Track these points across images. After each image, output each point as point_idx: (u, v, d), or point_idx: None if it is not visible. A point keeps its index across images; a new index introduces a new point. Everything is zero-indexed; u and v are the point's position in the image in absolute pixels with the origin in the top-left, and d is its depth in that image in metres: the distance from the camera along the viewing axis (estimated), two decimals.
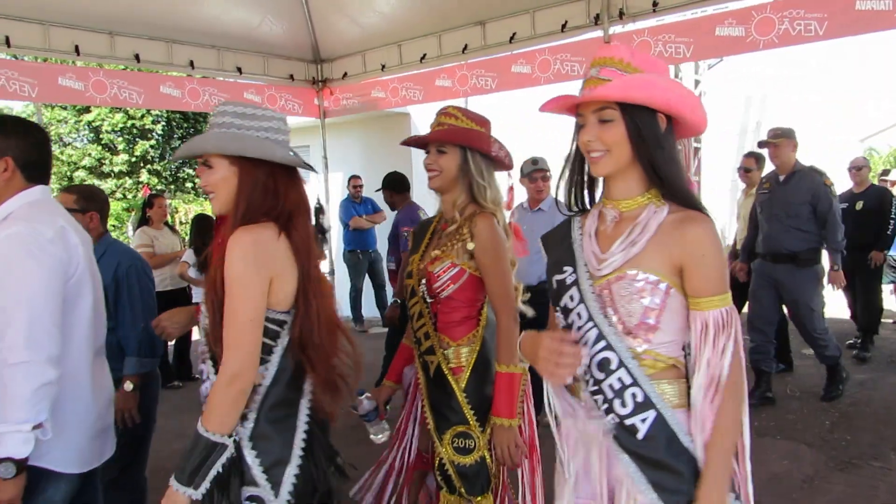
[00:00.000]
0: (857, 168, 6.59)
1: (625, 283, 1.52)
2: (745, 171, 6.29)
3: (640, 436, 1.53)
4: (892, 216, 6.34)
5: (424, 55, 6.94)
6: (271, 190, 1.79)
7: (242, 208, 1.77)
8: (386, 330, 7.42)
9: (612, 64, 1.54)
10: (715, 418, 1.50)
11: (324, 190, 8.72)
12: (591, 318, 1.56)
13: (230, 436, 1.67)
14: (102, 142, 25.87)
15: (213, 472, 1.65)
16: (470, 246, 2.24)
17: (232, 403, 1.66)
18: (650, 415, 1.53)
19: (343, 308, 9.00)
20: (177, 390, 5.95)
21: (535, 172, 5.08)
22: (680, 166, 1.57)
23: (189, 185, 27.84)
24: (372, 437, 2.48)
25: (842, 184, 8.09)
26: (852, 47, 7.86)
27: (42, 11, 5.50)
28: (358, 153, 9.29)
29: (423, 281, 2.30)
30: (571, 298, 1.60)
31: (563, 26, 5.96)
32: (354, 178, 8.48)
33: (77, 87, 5.93)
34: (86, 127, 25.76)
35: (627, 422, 1.54)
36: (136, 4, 5.90)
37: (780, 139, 5.01)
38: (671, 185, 1.54)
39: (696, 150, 7.10)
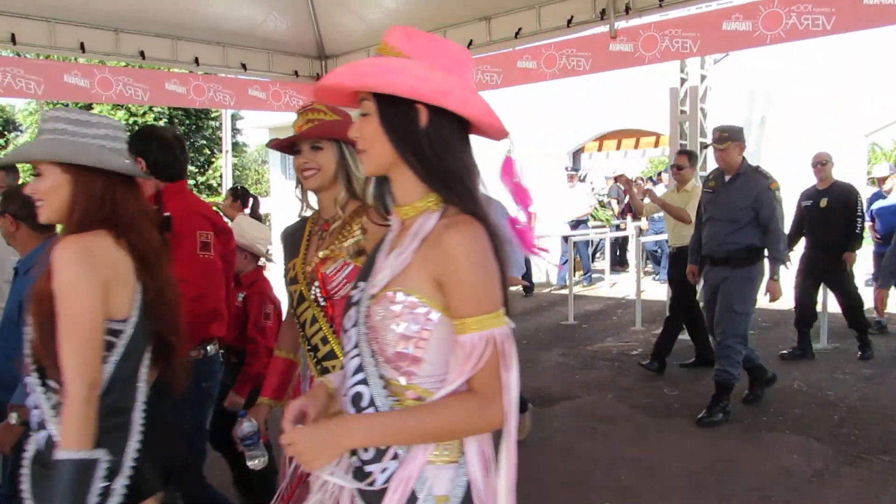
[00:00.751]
0: (821, 163, 6.20)
1: (382, 306, 1.32)
2: (677, 169, 6.04)
3: (376, 485, 1.32)
4: (859, 214, 6.01)
5: None
6: (108, 199, 1.74)
7: (76, 217, 1.71)
8: None
9: (384, 51, 1.37)
10: (435, 405, 1.29)
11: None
12: (356, 345, 1.37)
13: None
14: None
15: (96, 489, 1.56)
16: (353, 241, 2.16)
17: (91, 415, 1.59)
18: (391, 465, 1.32)
19: None
20: None
21: None
22: (462, 165, 1.36)
23: (191, 181, 27.85)
24: (248, 463, 2.34)
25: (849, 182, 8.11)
26: (859, 42, 7.84)
27: (47, 9, 5.50)
28: None
29: (316, 284, 2.20)
30: (349, 319, 1.42)
31: (569, 21, 5.94)
32: None
33: (83, 84, 5.93)
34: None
35: (367, 468, 1.34)
36: (142, 1, 5.90)
37: (727, 143, 4.75)
38: (445, 185, 1.34)
39: (703, 145, 7.08)
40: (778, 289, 4.64)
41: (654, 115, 9.44)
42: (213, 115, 27.10)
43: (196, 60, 6.64)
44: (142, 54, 6.22)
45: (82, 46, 5.80)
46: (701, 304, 5.68)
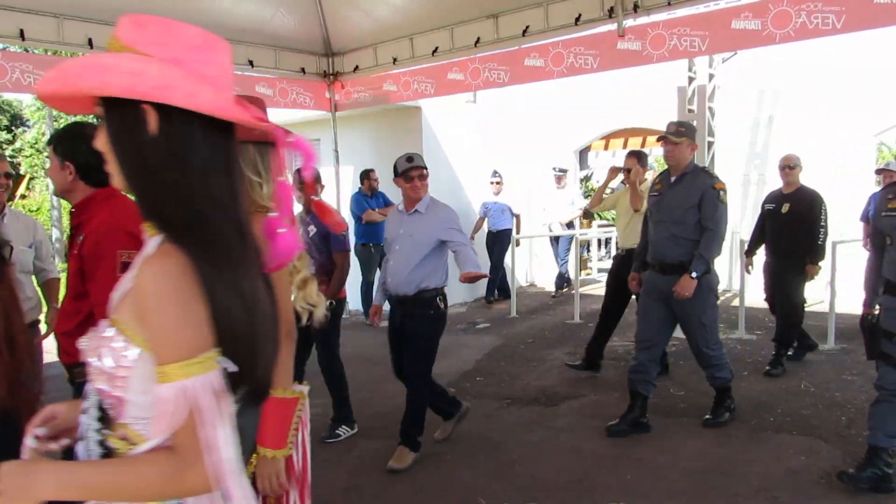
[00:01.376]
0: (790, 167, 5.86)
1: (94, 338, 1.18)
2: (626, 172, 5.80)
3: None
4: (822, 224, 5.66)
5: (436, 48, 6.92)
6: None
7: None
8: None
9: (111, 46, 1.15)
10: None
11: (335, 183, 8.72)
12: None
13: None
14: None
15: None
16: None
17: None
18: None
19: (353, 302, 9.01)
20: None
21: (411, 170, 4.10)
22: (197, 178, 1.13)
23: None
24: None
25: (855, 182, 8.06)
26: (869, 41, 7.79)
27: (56, 4, 5.50)
28: (369, 146, 9.28)
29: None
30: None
31: (577, 19, 5.93)
32: (372, 171, 8.41)
33: None
34: (95, 119, 25.82)
35: None
36: None
37: (683, 138, 4.46)
38: (151, 207, 1.14)
39: (710, 144, 7.05)
40: (689, 287, 4.28)
41: (661, 114, 9.40)
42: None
43: None
44: None
45: (90, 42, 5.81)
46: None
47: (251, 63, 7.11)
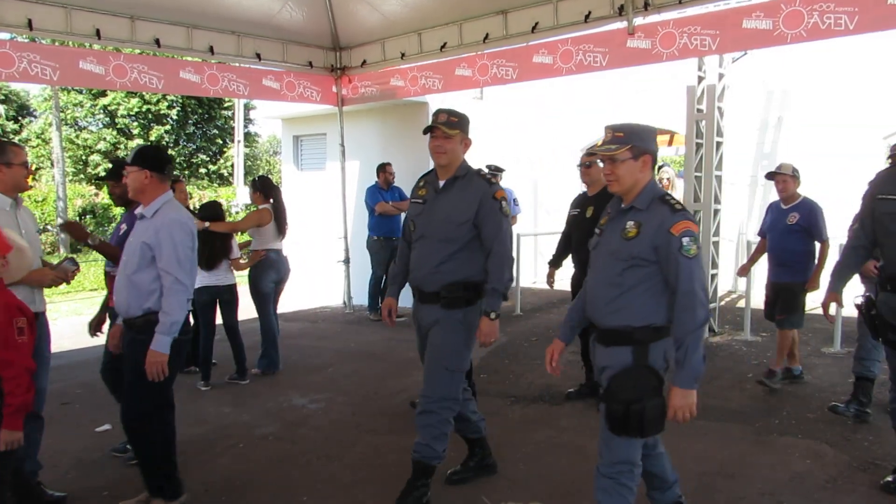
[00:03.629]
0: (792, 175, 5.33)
1: None
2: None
3: None
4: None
5: (445, 44, 6.90)
6: None
7: None
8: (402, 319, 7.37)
9: None
10: None
11: (340, 178, 8.70)
12: None
13: None
14: (118, 126, 25.97)
15: None
16: None
17: None
18: None
19: (358, 296, 8.98)
20: (194, 375, 5.96)
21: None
22: None
23: (203, 171, 27.93)
24: None
25: (864, 185, 7.99)
26: (882, 42, 7.73)
27: None
28: (376, 141, 9.25)
29: None
30: None
31: (587, 17, 5.91)
32: (388, 165, 8.24)
33: (98, 70, 5.93)
34: (101, 111, 25.87)
35: None
36: None
37: (455, 131, 3.42)
38: None
39: (719, 144, 7.01)
40: (493, 330, 3.38)
41: (668, 114, 9.36)
42: (226, 105, 27.14)
43: (211, 49, 6.65)
44: (157, 42, 6.22)
45: (98, 33, 5.81)
46: None
47: (258, 56, 7.10)
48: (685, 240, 2.49)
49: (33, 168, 19.68)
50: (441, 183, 3.50)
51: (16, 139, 26.45)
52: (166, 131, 26.56)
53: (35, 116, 28.24)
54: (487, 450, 3.91)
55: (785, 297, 5.29)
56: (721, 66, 6.89)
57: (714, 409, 4.78)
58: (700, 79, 6.89)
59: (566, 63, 6.24)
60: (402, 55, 7.30)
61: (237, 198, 19.41)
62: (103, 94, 24.85)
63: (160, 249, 3.17)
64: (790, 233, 5.26)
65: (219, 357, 6.10)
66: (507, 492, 3.63)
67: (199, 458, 4.17)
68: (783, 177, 5.33)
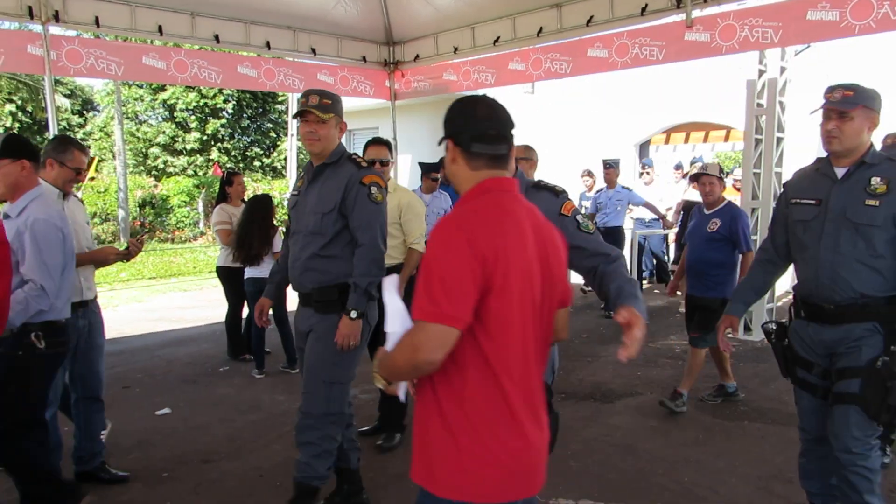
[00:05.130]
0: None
1: None
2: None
3: None
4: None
5: (498, 38, 6.87)
6: None
7: None
8: None
9: None
10: None
11: (393, 172, 8.75)
12: None
13: None
14: (176, 120, 26.68)
15: None
16: None
17: None
18: None
19: None
20: (248, 363, 6.10)
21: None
22: None
23: (257, 163, 28.47)
24: None
25: None
26: None
27: None
28: (426, 136, 9.29)
29: None
30: None
31: (643, 9, 5.80)
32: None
33: (160, 66, 6.10)
34: (161, 105, 26.62)
35: None
36: None
37: (330, 115, 3.10)
38: None
39: (779, 139, 6.81)
40: (352, 332, 2.99)
41: (725, 108, 9.14)
42: (280, 99, 27.59)
43: (267, 44, 6.76)
44: (216, 38, 6.36)
45: (160, 29, 5.97)
46: None
47: (314, 51, 7.19)
48: None
49: (96, 160, 20.35)
50: (313, 172, 3.16)
51: (80, 132, 27.42)
52: (222, 125, 27.15)
53: (98, 111, 29.23)
54: (358, 485, 3.40)
55: (701, 315, 4.70)
56: (783, 60, 6.69)
57: (771, 412, 4.67)
58: (761, 72, 6.70)
59: (622, 57, 6.14)
60: (455, 49, 7.30)
61: (289, 191, 19.76)
62: (163, 88, 25.55)
63: (23, 254, 2.82)
64: (710, 241, 4.70)
65: (271, 346, 6.23)
66: (557, 488, 3.61)
67: (254, 444, 4.27)
68: (709, 178, 4.76)
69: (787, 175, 7.42)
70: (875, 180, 2.60)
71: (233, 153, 27.54)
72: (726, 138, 13.96)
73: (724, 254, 4.69)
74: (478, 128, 1.79)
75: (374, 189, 3.05)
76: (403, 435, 4.24)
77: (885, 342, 2.55)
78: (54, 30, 5.51)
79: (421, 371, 1.65)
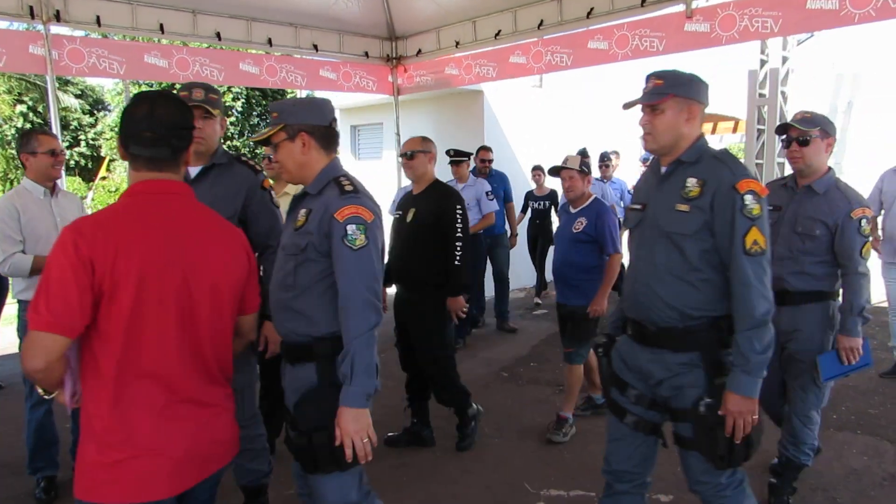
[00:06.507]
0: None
1: None
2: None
3: None
4: None
5: (499, 31, 6.87)
6: None
7: None
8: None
9: None
10: None
11: (395, 167, 8.79)
12: None
13: None
14: None
15: None
16: None
17: None
18: None
19: None
20: None
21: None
22: None
23: (265, 160, 28.62)
24: None
25: None
26: None
27: None
28: (431, 130, 9.29)
29: None
30: None
31: (643, 1, 5.79)
32: (483, 150, 7.35)
33: (162, 64, 6.15)
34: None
35: None
36: None
37: (217, 110, 3.09)
38: None
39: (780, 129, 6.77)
40: (272, 338, 3.01)
41: (734, 99, 9.08)
42: (288, 96, 27.73)
43: (269, 41, 6.79)
44: (218, 35, 6.40)
45: (161, 27, 6.01)
46: None
47: (315, 47, 7.22)
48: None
49: (107, 160, 20.52)
50: (193, 171, 2.94)
51: (91, 132, 27.66)
52: (231, 123, 27.29)
53: (109, 110, 29.43)
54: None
55: (572, 326, 4.27)
56: (785, 49, 6.65)
57: None
58: (762, 62, 6.67)
59: (622, 49, 6.12)
60: (457, 44, 7.30)
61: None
62: (171, 87, 25.73)
63: None
64: (575, 243, 4.21)
65: None
66: (550, 480, 3.64)
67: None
68: (569, 173, 4.22)
69: (789, 167, 7.40)
70: (690, 182, 2.28)
71: (242, 151, 27.71)
72: (734, 130, 13.88)
73: (590, 256, 4.20)
74: (134, 129, 1.74)
75: (273, 194, 3.07)
76: None
77: (707, 377, 2.25)
78: (56, 29, 5.57)
79: (35, 379, 1.64)
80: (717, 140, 15.77)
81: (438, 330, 3.98)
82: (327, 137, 2.30)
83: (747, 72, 6.74)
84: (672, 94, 2.27)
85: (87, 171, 23.05)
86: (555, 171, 4.33)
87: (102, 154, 20.91)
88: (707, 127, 14.05)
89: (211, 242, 1.80)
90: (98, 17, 5.60)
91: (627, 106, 2.42)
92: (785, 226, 3.22)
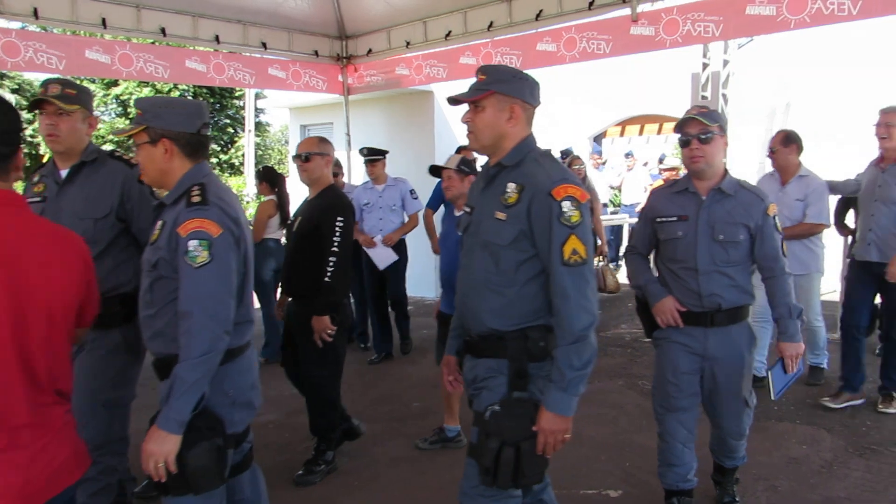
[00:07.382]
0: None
1: None
2: None
3: None
4: None
5: (450, 32, 6.90)
6: None
7: None
8: None
9: None
10: None
11: (347, 168, 8.73)
12: None
13: None
14: (130, 116, 26.15)
15: None
16: None
17: None
18: None
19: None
20: None
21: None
22: None
23: (214, 160, 28.06)
24: None
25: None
26: (888, 25, 7.66)
27: None
28: (381, 131, 9.27)
29: None
30: None
31: (591, 4, 5.89)
32: (465, 149, 7.38)
33: (104, 60, 5.99)
34: (113, 100, 26.06)
35: None
36: None
37: (75, 106, 2.86)
38: None
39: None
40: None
41: (678, 100, 9.31)
42: (237, 95, 27.21)
43: (217, 38, 6.67)
44: (163, 31, 6.26)
45: (104, 22, 5.84)
46: None
47: (264, 45, 7.13)
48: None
49: (46, 157, 19.85)
50: (63, 173, 2.83)
51: (30, 129, 26.65)
52: None
53: None
54: None
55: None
56: (726, 53, 6.86)
57: None
58: (704, 65, 6.86)
59: (570, 51, 6.22)
60: (408, 44, 7.30)
61: (247, 188, 19.49)
62: (115, 83, 25.01)
63: None
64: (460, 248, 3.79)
65: None
66: None
67: None
68: (448, 173, 3.92)
69: (731, 167, 7.62)
70: (510, 187, 2.13)
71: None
72: (659, 131, 14.32)
73: None
74: None
75: (151, 187, 2.84)
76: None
77: (509, 385, 2.14)
78: None
79: None
80: (663, 140, 16.17)
81: (318, 347, 3.60)
82: (193, 145, 2.15)
83: (690, 74, 6.93)
84: (493, 90, 2.13)
85: (26, 170, 22.29)
86: (435, 171, 4.08)
87: (41, 152, 20.22)
88: (652, 127, 14.39)
89: (44, 263, 1.62)
90: (35, 10, 5.41)
91: (452, 101, 2.23)
92: (701, 236, 2.93)
